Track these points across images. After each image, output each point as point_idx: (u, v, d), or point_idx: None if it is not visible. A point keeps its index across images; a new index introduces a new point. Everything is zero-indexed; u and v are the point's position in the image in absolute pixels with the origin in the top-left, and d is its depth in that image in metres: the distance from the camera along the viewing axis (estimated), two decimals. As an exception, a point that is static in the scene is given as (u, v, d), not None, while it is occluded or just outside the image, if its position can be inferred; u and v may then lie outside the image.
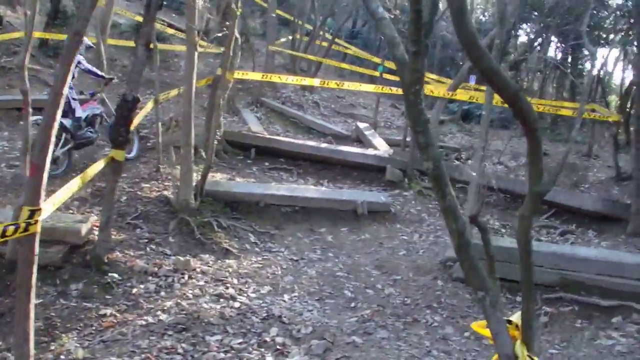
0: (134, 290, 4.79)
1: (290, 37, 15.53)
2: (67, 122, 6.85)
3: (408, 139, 9.44)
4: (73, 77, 6.53)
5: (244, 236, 6.28)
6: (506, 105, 2.21)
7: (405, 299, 5.20)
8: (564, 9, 13.36)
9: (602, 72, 15.56)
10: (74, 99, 7.07)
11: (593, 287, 5.16)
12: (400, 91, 9.70)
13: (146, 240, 5.76)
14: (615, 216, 7.52)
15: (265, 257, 5.94)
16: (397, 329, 4.60)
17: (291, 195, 7.07)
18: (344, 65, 13.44)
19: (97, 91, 7.72)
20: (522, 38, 18.97)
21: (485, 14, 20.90)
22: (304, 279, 5.55)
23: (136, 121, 6.66)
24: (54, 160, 6.73)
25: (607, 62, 16.45)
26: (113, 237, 5.54)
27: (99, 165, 5.05)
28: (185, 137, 6.20)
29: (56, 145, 6.37)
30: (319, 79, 9.30)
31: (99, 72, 7.53)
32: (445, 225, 2.41)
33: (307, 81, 9.05)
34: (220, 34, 7.38)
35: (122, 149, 5.12)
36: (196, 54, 5.99)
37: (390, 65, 13.12)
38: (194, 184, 6.54)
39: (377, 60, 13.26)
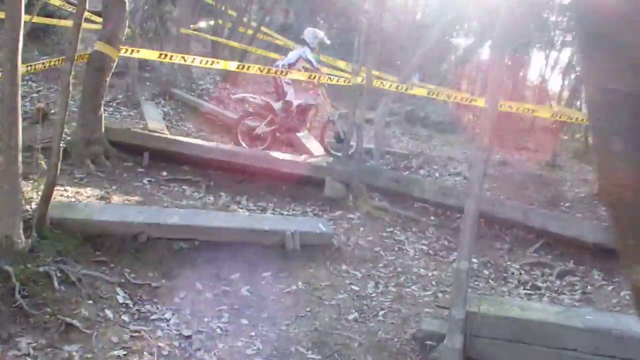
0: None
1: (212, 23, 13.25)
2: (276, 105, 7.43)
3: (352, 143, 7.44)
4: (293, 64, 7.37)
5: (107, 294, 3.96)
6: None
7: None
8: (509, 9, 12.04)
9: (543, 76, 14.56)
10: (287, 82, 7.40)
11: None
12: (335, 81, 7.69)
13: None
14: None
15: (135, 332, 3.65)
16: None
17: (188, 225, 4.79)
18: (273, 55, 11.28)
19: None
20: (462, 40, 17.84)
21: (427, 10, 19.40)
22: (196, 375, 3.37)
23: None
24: (257, 137, 7.34)
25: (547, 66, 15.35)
26: None
27: None
28: (6, 136, 3.81)
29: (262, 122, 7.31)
30: (235, 63, 7.10)
31: (316, 65, 7.68)
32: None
33: (221, 64, 6.80)
34: None
35: None
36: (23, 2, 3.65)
37: (327, 59, 11.18)
38: (29, 207, 4.20)
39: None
